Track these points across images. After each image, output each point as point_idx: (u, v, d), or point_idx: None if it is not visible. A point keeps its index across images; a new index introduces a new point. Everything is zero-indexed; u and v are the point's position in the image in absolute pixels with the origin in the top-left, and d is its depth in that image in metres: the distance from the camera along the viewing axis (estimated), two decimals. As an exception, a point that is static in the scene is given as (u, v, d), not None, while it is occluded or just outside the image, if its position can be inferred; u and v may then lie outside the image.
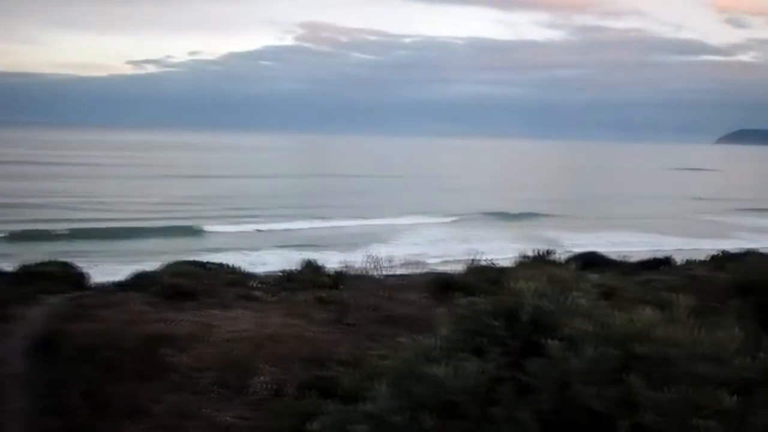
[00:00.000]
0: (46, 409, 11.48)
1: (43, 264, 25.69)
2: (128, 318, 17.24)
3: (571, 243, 49.44)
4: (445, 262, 38.93)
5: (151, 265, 26.95)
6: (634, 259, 33.11)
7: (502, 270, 22.70)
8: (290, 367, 13.20)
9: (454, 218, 68.33)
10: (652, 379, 3.65)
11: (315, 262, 26.76)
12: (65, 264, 26.30)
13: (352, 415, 4.24)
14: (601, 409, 3.63)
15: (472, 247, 37.55)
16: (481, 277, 21.42)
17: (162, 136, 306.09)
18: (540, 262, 27.71)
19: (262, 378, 12.63)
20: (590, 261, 29.27)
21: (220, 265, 28.23)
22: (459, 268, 27.56)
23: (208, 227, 57.80)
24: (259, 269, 29.72)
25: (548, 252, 30.96)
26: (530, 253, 30.56)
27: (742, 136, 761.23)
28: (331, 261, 28.61)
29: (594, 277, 4.51)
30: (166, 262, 27.08)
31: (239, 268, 27.98)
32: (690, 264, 31.38)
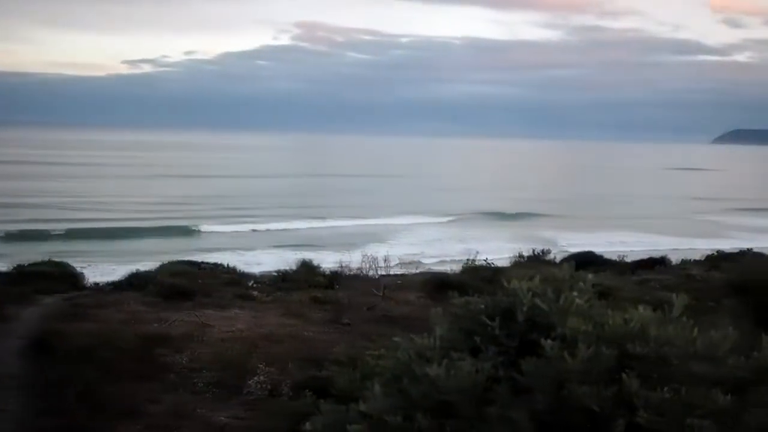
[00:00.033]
0: (41, 410, 11.46)
1: (38, 264, 25.68)
2: (124, 318, 17.25)
3: (567, 243, 49.53)
4: (442, 262, 38.99)
5: (147, 265, 26.97)
6: (631, 258, 33.16)
7: (499, 269, 22.74)
8: (286, 367, 13.20)
9: (451, 218, 68.40)
10: (647, 379, 3.65)
11: (311, 262, 26.77)
12: (61, 264, 26.29)
13: (347, 415, 4.23)
14: (596, 408, 3.63)
15: (468, 246, 37.59)
16: (477, 277, 21.44)
17: (158, 135, 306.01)
18: (536, 261, 27.75)
19: (257, 378, 12.63)
20: (587, 260, 29.27)
21: (216, 264, 28.24)
22: (455, 267, 27.58)
23: (204, 227, 57.80)
24: (255, 269, 29.72)
25: (545, 252, 31.01)
26: (527, 253, 30.61)
27: (738, 136, 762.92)
28: (328, 261, 28.64)
29: (590, 276, 4.49)
30: (162, 262, 27.08)
31: (235, 268, 27.99)
32: (686, 263, 31.45)
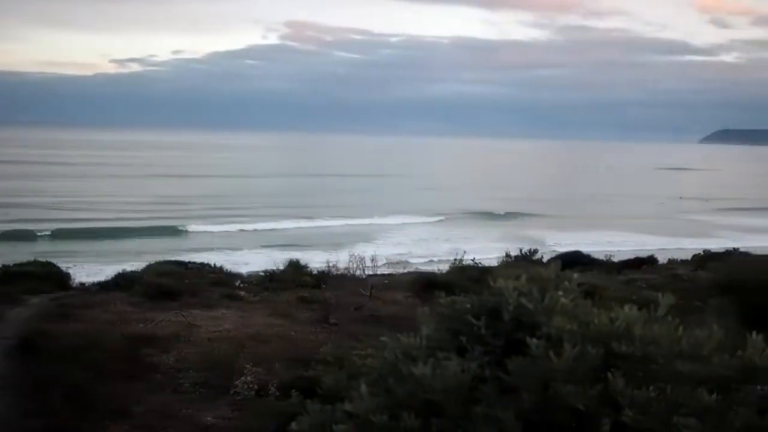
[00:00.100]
0: (27, 410, 11.40)
1: (24, 264, 25.54)
2: (111, 318, 17.19)
3: (555, 242, 49.72)
4: (430, 262, 39.09)
5: (134, 265, 26.89)
6: (618, 258, 33.29)
7: (486, 269, 22.76)
8: (273, 367, 13.18)
9: (439, 218, 68.54)
10: (632, 378, 3.65)
11: (298, 261, 26.73)
12: (47, 264, 26.16)
13: (334, 415, 4.22)
14: (582, 407, 3.63)
15: (456, 246, 37.62)
16: (465, 277, 21.45)
17: (146, 135, 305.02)
18: (524, 261, 27.80)
19: (244, 378, 12.59)
20: (574, 260, 29.38)
21: (202, 264, 28.17)
22: (443, 267, 27.61)
23: (191, 227, 57.73)
24: (242, 269, 29.67)
25: (532, 251, 31.06)
26: (514, 253, 30.66)
27: (725, 136, 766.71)
28: (315, 261, 28.61)
29: (575, 276, 4.50)
30: (149, 262, 27.00)
31: (222, 267, 27.92)
32: (673, 263, 31.59)
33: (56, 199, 71.08)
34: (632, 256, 34.36)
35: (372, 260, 26.85)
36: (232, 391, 12.44)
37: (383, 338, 4.46)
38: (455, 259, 27.08)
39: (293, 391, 5.85)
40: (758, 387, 3.69)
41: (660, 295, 4.08)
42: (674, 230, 63.47)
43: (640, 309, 3.94)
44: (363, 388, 4.03)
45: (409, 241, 54.45)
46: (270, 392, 11.95)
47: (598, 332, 3.84)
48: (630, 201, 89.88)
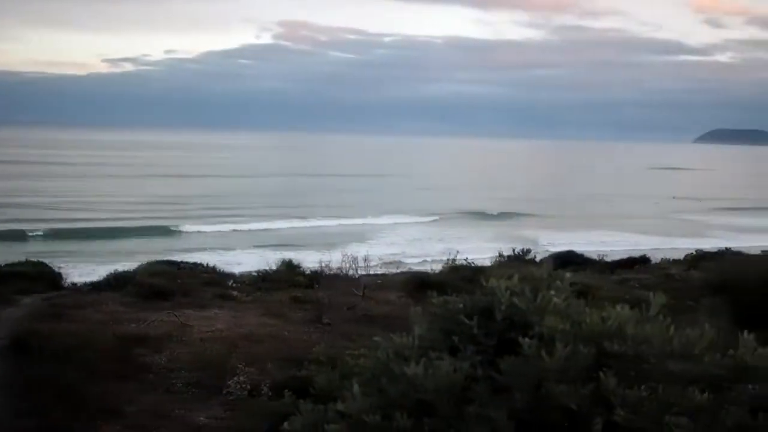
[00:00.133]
0: (19, 410, 11.37)
1: (16, 264, 25.45)
2: (103, 318, 17.14)
3: (549, 242, 49.73)
4: (424, 262, 39.04)
5: (127, 266, 26.80)
6: (612, 258, 33.32)
7: (479, 269, 22.76)
8: (266, 367, 13.16)
9: (433, 218, 68.57)
10: (624, 377, 3.65)
11: (291, 261, 26.70)
12: (40, 264, 26.06)
13: (326, 415, 4.22)
14: (574, 407, 3.63)
15: (450, 246, 37.60)
16: (458, 276, 21.46)
17: (141, 135, 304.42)
18: (517, 261, 27.82)
19: (237, 378, 12.57)
20: (567, 260, 29.43)
21: (195, 264, 28.11)
22: (437, 267, 27.61)
23: (185, 227, 57.65)
24: (235, 269, 29.61)
25: (526, 251, 31.09)
26: (508, 253, 30.67)
27: (719, 136, 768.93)
28: (308, 261, 28.56)
29: (568, 275, 4.49)
30: (141, 263, 26.93)
31: (215, 267, 27.87)
32: (666, 263, 31.65)
33: (49, 198, 70.91)
34: (625, 256, 34.40)
35: (365, 260, 26.81)
36: (224, 391, 12.41)
37: (376, 338, 4.46)
38: (448, 259, 27.09)
39: (286, 391, 5.83)
40: (750, 386, 3.69)
41: (653, 294, 4.08)
42: (667, 230, 63.59)
43: (632, 308, 3.95)
44: (355, 388, 4.02)
45: (402, 241, 54.46)
46: (263, 392, 11.93)
47: (590, 332, 3.84)
48: (624, 201, 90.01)
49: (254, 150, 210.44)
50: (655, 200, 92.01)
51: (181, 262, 28.96)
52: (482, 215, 72.63)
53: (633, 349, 3.71)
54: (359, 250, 31.27)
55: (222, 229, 57.66)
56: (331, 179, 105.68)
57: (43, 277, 23.89)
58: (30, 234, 51.95)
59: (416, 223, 65.42)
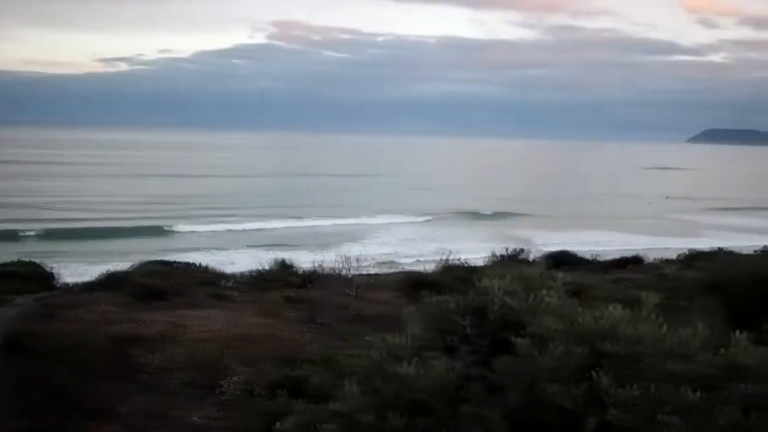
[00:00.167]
0: (12, 410, 11.34)
1: (10, 264, 25.39)
2: (97, 318, 17.09)
3: (543, 242, 49.68)
4: (418, 262, 39.01)
5: (121, 266, 26.71)
6: (606, 257, 33.35)
7: (473, 269, 22.75)
8: (261, 367, 13.14)
9: (427, 218, 68.56)
10: (618, 377, 3.66)
11: (285, 261, 26.66)
12: (32, 264, 26.01)
13: (321, 415, 4.22)
14: (568, 406, 3.64)
15: (444, 246, 37.59)
16: (452, 276, 21.45)
17: (136, 134, 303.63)
18: (511, 260, 27.84)
19: (232, 378, 12.55)
20: (561, 260, 29.45)
21: (189, 264, 28.05)
22: (431, 267, 27.58)
23: (179, 227, 57.51)
24: (230, 269, 29.52)
25: (520, 251, 31.11)
26: (502, 252, 30.68)
27: (712, 136, 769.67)
28: (303, 260, 28.52)
29: (561, 275, 4.50)
30: (136, 262, 26.86)
31: (208, 267, 27.82)
32: (659, 262, 31.71)
33: (43, 198, 70.70)
34: (619, 256, 34.46)
35: (358, 260, 26.75)
36: (219, 391, 12.40)
37: (369, 338, 4.46)
38: (442, 259, 27.06)
39: (280, 390, 5.84)
40: (742, 385, 3.70)
41: (646, 294, 4.09)
42: (661, 230, 63.67)
43: (625, 308, 3.95)
44: (353, 387, 4.03)
45: (396, 240, 54.44)
46: (257, 392, 11.91)
47: (584, 331, 3.85)
48: (617, 201, 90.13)
49: (248, 150, 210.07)
50: (648, 200, 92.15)
51: (175, 262, 28.90)
52: (476, 215, 72.64)
53: (626, 348, 3.72)
54: (353, 250, 31.21)
55: (216, 229, 57.55)
56: (324, 179, 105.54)
57: (35, 277, 23.85)
58: (23, 234, 51.78)
59: (410, 222, 65.40)
